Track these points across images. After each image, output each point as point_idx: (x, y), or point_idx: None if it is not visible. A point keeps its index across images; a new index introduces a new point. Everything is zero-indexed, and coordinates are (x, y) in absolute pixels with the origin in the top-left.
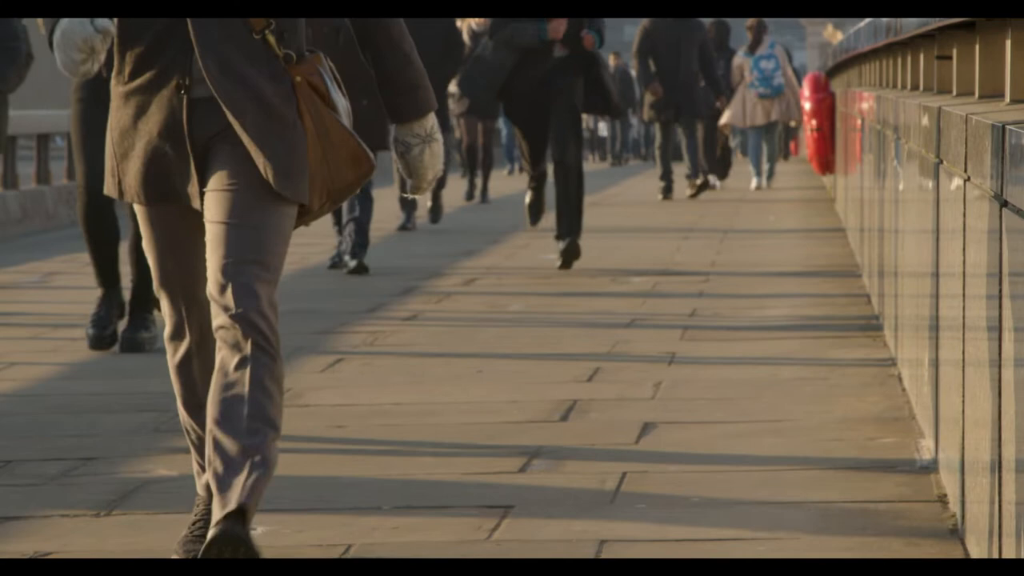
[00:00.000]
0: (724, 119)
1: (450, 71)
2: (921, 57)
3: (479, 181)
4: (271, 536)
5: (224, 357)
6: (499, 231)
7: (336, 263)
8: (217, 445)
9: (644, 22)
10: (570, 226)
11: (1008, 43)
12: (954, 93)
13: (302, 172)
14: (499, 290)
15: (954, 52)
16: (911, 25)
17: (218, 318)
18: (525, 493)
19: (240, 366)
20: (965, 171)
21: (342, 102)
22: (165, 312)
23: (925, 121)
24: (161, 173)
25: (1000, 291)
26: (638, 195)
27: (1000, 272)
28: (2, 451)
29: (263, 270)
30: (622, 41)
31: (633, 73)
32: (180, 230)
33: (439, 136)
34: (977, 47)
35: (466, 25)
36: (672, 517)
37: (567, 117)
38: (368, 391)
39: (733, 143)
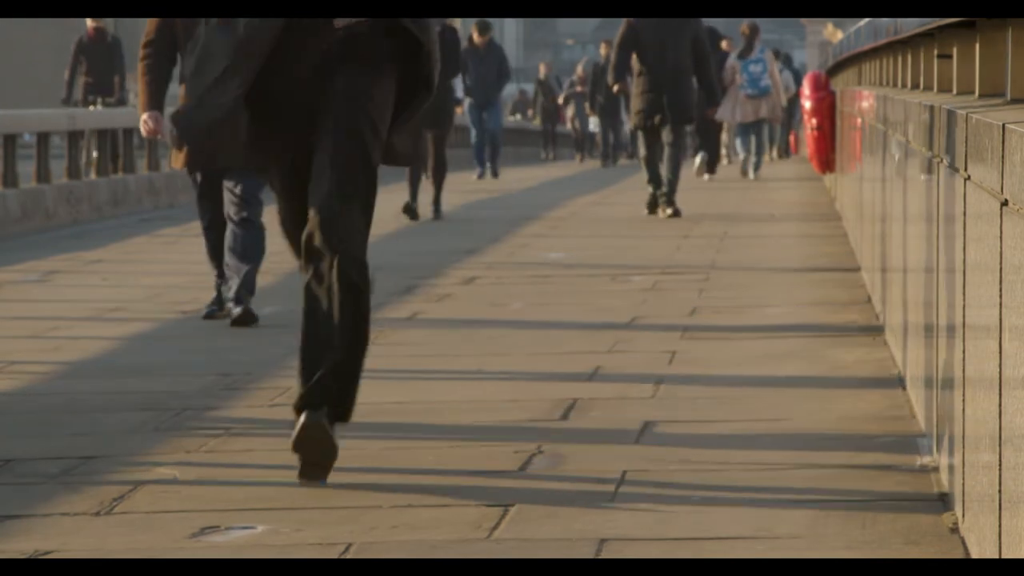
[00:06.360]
0: (715, 114)
1: None
2: (921, 56)
3: (430, 194)
4: (271, 536)
5: None
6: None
7: (213, 312)
8: None
9: None
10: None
11: (1008, 42)
12: (954, 92)
13: None
14: (499, 289)
15: (954, 51)
16: (911, 24)
17: None
18: (525, 492)
19: None
20: (965, 170)
21: None
22: None
23: (925, 120)
24: None
25: (1000, 289)
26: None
27: (1000, 270)
28: (3, 450)
29: None
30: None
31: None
32: None
33: None
34: (977, 46)
35: None
36: (672, 517)
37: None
38: (369, 390)
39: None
